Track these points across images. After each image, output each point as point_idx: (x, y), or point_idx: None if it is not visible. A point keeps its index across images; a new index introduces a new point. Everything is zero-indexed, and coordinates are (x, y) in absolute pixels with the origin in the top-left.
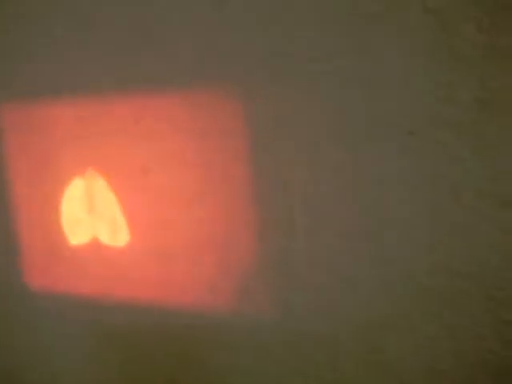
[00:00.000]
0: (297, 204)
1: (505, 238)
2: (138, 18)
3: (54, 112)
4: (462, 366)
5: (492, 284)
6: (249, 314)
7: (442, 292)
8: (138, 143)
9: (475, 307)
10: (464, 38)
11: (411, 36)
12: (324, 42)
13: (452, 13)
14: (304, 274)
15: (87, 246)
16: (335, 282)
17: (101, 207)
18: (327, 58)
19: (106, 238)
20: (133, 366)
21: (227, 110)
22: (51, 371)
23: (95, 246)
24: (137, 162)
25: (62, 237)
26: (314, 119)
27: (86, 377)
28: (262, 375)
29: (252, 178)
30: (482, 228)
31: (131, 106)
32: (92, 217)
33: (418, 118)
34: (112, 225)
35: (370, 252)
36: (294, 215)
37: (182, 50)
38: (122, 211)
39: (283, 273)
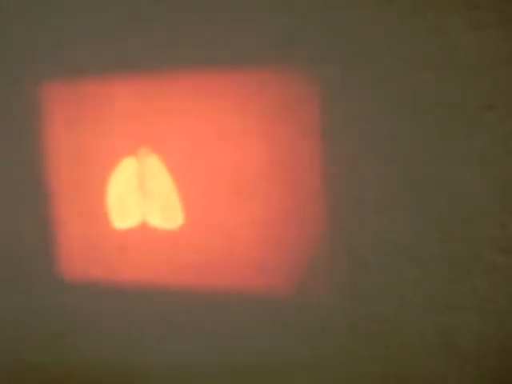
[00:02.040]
0: (365, 183)
1: None
2: None
3: (105, 89)
4: None
5: None
6: (312, 297)
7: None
8: (196, 120)
9: None
10: None
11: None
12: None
13: None
14: (370, 256)
15: (135, 230)
16: (401, 263)
17: (153, 188)
18: (396, 41)
19: (156, 222)
20: None
21: (295, 91)
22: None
23: (144, 229)
24: (195, 140)
25: (106, 222)
26: (384, 99)
27: None
28: (323, 359)
29: (321, 157)
30: None
31: (190, 83)
32: (143, 199)
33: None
34: (165, 207)
35: (438, 231)
36: (362, 195)
37: (248, 30)
38: (177, 192)
39: (349, 254)
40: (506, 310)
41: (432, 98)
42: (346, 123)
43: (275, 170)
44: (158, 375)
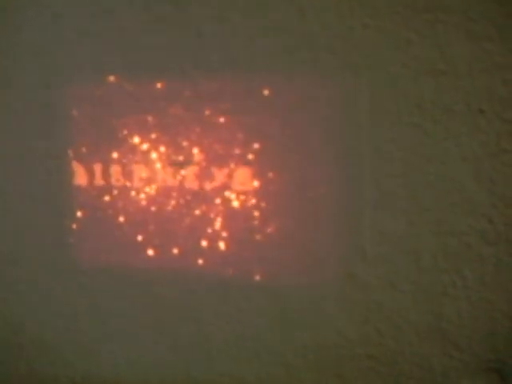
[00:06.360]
0: (366, 180)
1: None
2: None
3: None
4: None
5: None
6: (313, 285)
7: (499, 260)
8: None
9: None
10: None
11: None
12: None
13: None
14: (369, 246)
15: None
16: (399, 253)
17: None
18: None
19: None
20: None
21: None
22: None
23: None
24: None
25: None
26: (385, 103)
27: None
28: (325, 345)
29: (325, 156)
30: None
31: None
32: None
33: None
34: None
35: (433, 225)
36: (363, 190)
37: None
38: None
39: (349, 245)
40: (493, 298)
41: (429, 102)
42: (350, 126)
43: (285, 164)
44: None
